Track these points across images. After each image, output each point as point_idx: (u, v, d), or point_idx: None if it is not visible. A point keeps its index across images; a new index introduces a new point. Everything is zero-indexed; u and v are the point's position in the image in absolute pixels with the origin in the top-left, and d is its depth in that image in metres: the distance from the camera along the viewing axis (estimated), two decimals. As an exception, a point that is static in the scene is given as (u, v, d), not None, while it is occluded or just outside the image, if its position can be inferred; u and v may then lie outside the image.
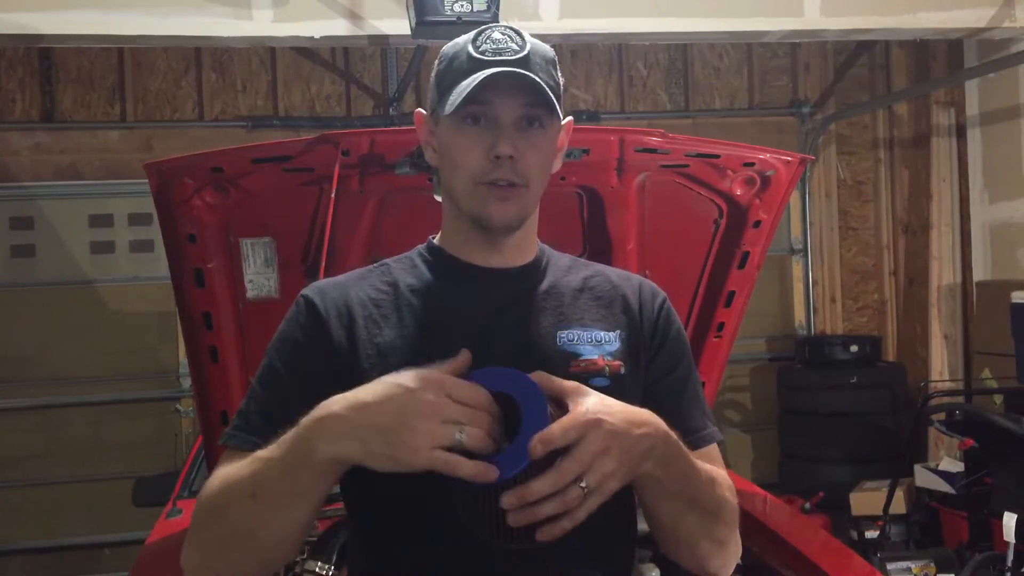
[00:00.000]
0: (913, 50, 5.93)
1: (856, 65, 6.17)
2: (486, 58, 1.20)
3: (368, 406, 1.03)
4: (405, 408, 1.01)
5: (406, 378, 1.04)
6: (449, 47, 1.27)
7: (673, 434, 1.12)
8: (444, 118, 1.23)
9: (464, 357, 1.09)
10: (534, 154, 1.22)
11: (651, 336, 1.31)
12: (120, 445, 5.37)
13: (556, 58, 1.27)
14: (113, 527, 5.18)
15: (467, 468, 1.00)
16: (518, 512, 1.02)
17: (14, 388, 5.30)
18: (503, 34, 1.22)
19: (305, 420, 1.07)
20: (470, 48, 1.22)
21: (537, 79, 1.19)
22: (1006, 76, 4.96)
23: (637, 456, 1.07)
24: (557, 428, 1.02)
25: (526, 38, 1.23)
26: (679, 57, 6.05)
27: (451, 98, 1.19)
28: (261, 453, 1.11)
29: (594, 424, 1.03)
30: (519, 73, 1.18)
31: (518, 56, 1.20)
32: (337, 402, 1.06)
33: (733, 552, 1.29)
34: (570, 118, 1.32)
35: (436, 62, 1.28)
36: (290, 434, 1.08)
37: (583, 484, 1.01)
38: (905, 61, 6.08)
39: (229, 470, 1.15)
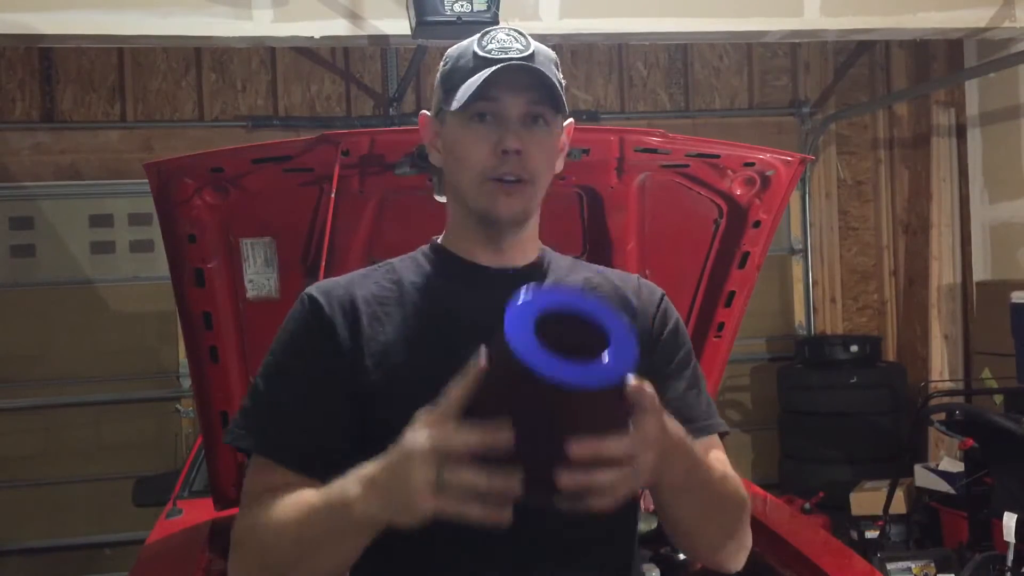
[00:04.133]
0: (913, 50, 5.93)
1: (856, 65, 6.16)
2: (492, 56, 1.23)
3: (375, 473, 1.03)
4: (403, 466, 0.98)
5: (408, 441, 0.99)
6: (454, 49, 1.30)
7: (691, 441, 1.10)
8: (450, 116, 1.26)
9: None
10: (539, 151, 1.25)
11: (651, 331, 1.32)
12: (120, 445, 5.37)
13: (558, 59, 1.30)
14: (113, 527, 5.18)
15: (475, 514, 0.93)
16: (575, 473, 0.92)
17: (14, 388, 5.30)
18: (508, 35, 1.26)
19: (351, 479, 1.05)
20: (475, 48, 1.25)
21: (543, 71, 1.22)
22: (1006, 76, 4.96)
23: (665, 464, 1.04)
24: (643, 386, 0.95)
25: (530, 39, 1.26)
26: (679, 57, 6.05)
27: (458, 95, 1.22)
28: (308, 496, 1.11)
29: (661, 415, 1.00)
30: (525, 68, 1.21)
31: (523, 55, 1.24)
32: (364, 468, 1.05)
33: (742, 543, 1.28)
34: (571, 120, 1.34)
35: (441, 64, 1.30)
36: (335, 490, 1.07)
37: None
38: (905, 61, 6.08)
39: (275, 511, 1.14)
